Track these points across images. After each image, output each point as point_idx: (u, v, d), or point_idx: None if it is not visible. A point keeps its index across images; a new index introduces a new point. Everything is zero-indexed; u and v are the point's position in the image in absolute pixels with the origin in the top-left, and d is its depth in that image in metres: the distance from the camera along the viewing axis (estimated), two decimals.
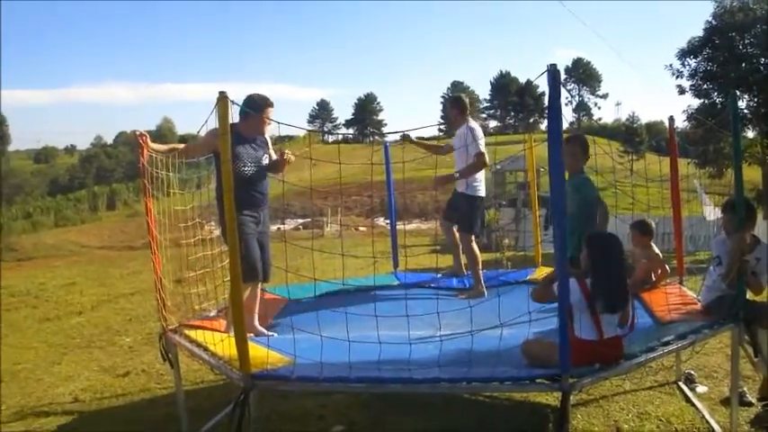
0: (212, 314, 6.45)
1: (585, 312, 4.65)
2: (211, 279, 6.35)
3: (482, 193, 8.43)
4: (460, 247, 8.53)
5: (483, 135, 8.30)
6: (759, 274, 5.85)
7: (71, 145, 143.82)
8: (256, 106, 6.22)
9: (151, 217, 5.98)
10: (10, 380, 8.41)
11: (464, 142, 8.06)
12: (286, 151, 6.53)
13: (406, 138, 8.77)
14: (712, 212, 15.09)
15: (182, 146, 6.24)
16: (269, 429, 5.74)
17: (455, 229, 8.53)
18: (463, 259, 8.63)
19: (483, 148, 8.14)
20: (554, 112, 4.10)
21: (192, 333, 5.70)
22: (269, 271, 6.49)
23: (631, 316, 4.95)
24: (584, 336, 4.64)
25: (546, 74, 4.04)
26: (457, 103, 8.53)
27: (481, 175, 8.40)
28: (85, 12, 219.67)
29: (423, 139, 9.18)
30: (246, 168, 6.18)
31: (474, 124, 8.36)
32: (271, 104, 6.34)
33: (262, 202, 6.36)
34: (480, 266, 8.23)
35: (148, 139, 5.90)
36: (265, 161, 6.44)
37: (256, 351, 4.86)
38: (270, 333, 6.19)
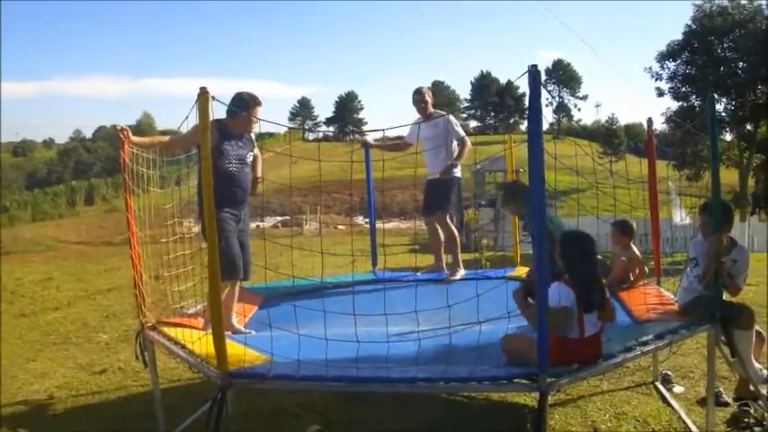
0: (190, 312, 6.41)
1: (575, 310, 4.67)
2: (190, 277, 6.33)
3: (459, 174, 8.83)
4: (443, 243, 8.72)
5: None
6: (736, 275, 5.89)
7: (49, 138, 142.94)
8: (245, 105, 6.19)
9: (131, 212, 5.93)
10: None
11: (444, 129, 8.53)
12: (258, 176, 6.54)
13: (365, 143, 8.95)
14: (682, 216, 15.23)
15: (165, 138, 6.17)
16: (246, 428, 5.72)
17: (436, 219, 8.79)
18: (446, 258, 8.77)
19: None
20: (534, 113, 4.11)
21: (169, 330, 5.67)
22: (249, 269, 6.46)
23: (612, 311, 4.97)
24: (568, 334, 4.66)
25: (527, 75, 4.04)
26: (430, 93, 8.76)
27: None
28: (69, 4, 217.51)
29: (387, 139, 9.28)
30: (231, 165, 6.15)
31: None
32: (259, 103, 6.29)
33: (243, 200, 6.33)
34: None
35: (129, 134, 5.84)
36: (249, 159, 6.41)
37: (234, 349, 4.84)
38: (247, 331, 6.16)
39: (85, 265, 22.24)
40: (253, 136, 6.56)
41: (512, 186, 7.53)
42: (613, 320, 5.01)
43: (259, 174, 6.66)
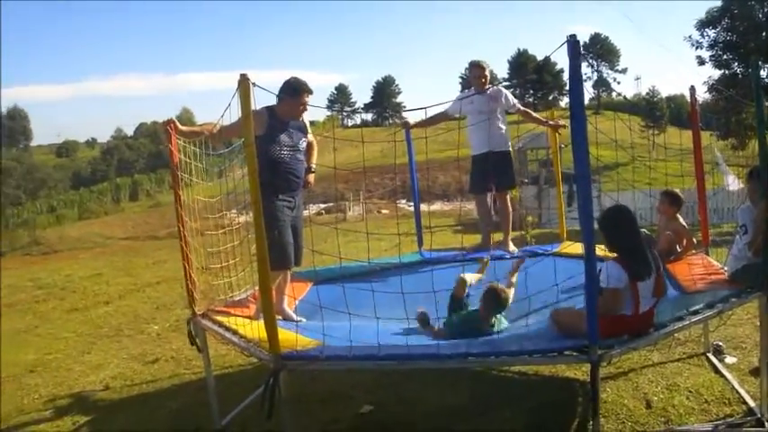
0: (239, 298, 6.46)
1: (627, 289, 4.65)
2: (238, 267, 6.38)
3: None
4: (492, 218, 8.73)
5: None
6: None
7: (92, 138, 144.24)
8: (293, 90, 6.16)
9: (180, 203, 5.98)
10: (41, 369, 8.53)
11: (504, 101, 8.48)
12: (312, 165, 6.55)
13: (405, 125, 8.89)
14: (734, 182, 14.97)
15: (213, 126, 6.12)
16: (299, 411, 5.78)
17: (489, 195, 8.79)
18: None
19: None
20: (575, 83, 4.06)
21: (220, 318, 5.73)
22: (300, 255, 6.46)
23: (664, 285, 4.94)
24: (623, 311, 4.65)
25: (566, 44, 4.01)
26: (489, 67, 8.66)
27: None
28: (94, 3, 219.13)
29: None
30: (282, 152, 6.15)
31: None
32: (308, 90, 6.25)
33: (296, 187, 6.32)
34: None
35: (177, 124, 5.87)
36: (302, 145, 6.40)
37: (285, 334, 4.88)
38: (299, 318, 6.16)
39: (133, 260, 22.56)
40: (307, 123, 6.53)
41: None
42: (665, 294, 4.98)
43: (313, 163, 6.66)
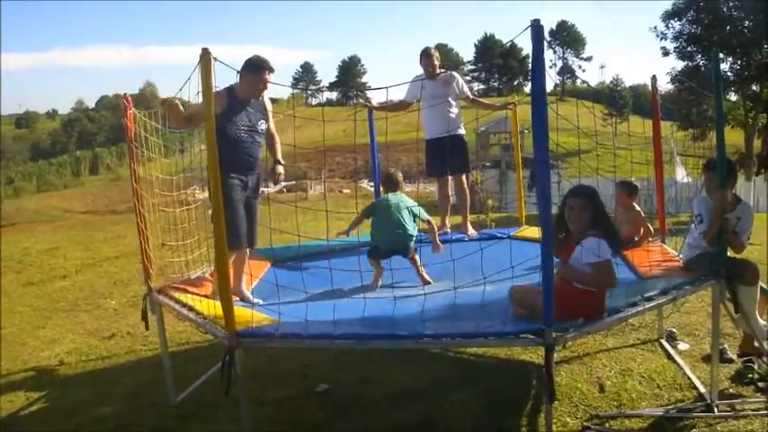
0: (196, 275, 6.44)
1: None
2: (195, 243, 6.34)
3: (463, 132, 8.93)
4: (451, 201, 8.78)
5: None
6: (740, 233, 5.88)
7: (52, 109, 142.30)
8: (253, 68, 6.08)
9: (136, 178, 5.93)
10: None
11: (455, 86, 8.57)
12: (279, 159, 6.49)
13: (367, 104, 8.92)
14: (684, 175, 15.13)
15: (186, 113, 5.92)
16: (255, 388, 5.78)
17: (448, 176, 8.87)
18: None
19: None
20: (538, 69, 4.07)
21: (177, 294, 5.70)
22: (254, 238, 6.40)
23: None
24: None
25: (530, 29, 4.01)
26: (437, 54, 8.70)
27: None
28: None
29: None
30: (239, 131, 6.06)
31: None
32: (270, 69, 6.16)
33: (252, 167, 6.23)
34: None
35: (180, 107, 5.70)
36: (261, 127, 6.31)
37: (241, 311, 4.87)
38: (256, 300, 6.11)
39: (92, 234, 22.28)
40: (268, 103, 6.47)
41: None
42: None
43: (279, 156, 6.62)
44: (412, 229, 6.55)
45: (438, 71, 8.55)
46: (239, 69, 5.91)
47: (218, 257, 4.58)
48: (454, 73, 8.76)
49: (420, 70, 8.57)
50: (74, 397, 6.40)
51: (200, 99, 4.59)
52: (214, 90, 5.60)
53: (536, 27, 3.98)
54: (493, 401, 5.69)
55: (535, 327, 4.32)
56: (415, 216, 6.66)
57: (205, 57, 4.41)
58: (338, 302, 4.70)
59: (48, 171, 70.52)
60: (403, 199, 6.75)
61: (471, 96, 8.73)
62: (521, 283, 5.08)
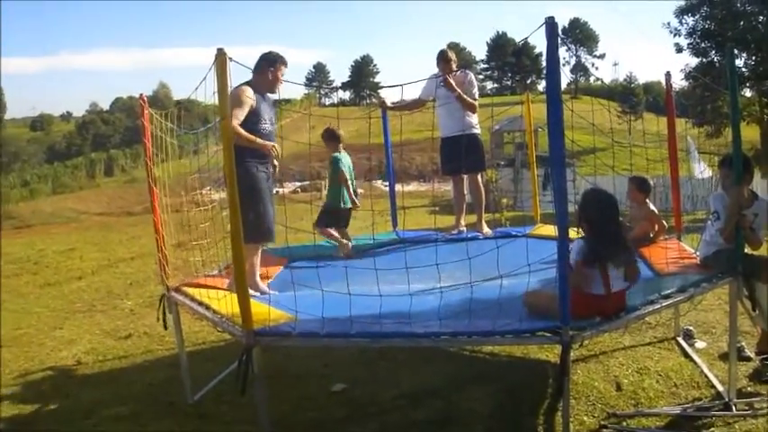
0: (214, 273, 6.46)
1: (595, 268, 4.69)
2: (212, 244, 6.36)
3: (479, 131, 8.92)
4: (466, 199, 8.78)
5: None
6: (757, 229, 5.85)
7: (67, 112, 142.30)
8: (270, 62, 6.16)
9: (153, 178, 5.96)
10: (12, 345, 8.45)
11: (467, 84, 8.57)
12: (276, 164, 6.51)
13: (382, 104, 8.93)
14: (703, 170, 15.01)
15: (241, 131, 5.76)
16: (272, 388, 5.79)
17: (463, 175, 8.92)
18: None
19: None
20: (552, 66, 4.07)
21: (193, 292, 5.72)
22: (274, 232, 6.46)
23: (636, 270, 4.99)
24: (593, 290, 4.69)
25: (544, 26, 4.01)
26: (454, 56, 8.74)
27: None
28: None
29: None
30: (266, 125, 6.12)
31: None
32: (284, 62, 6.24)
33: (271, 160, 6.31)
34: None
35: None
36: (275, 120, 6.38)
37: (258, 308, 4.88)
38: (272, 291, 6.16)
39: (107, 235, 22.42)
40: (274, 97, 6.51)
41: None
42: (636, 280, 5.02)
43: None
44: None
45: (453, 70, 8.51)
46: (254, 66, 5.96)
47: (235, 253, 4.59)
48: (469, 73, 8.77)
49: (434, 69, 8.58)
50: (91, 396, 6.41)
51: (215, 99, 4.60)
52: (240, 87, 5.68)
53: (550, 24, 3.98)
54: (510, 400, 5.68)
55: (552, 325, 4.32)
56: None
57: (221, 57, 4.43)
58: (354, 300, 4.68)
59: (63, 173, 70.68)
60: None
61: (471, 102, 8.58)
62: (534, 289, 5.08)
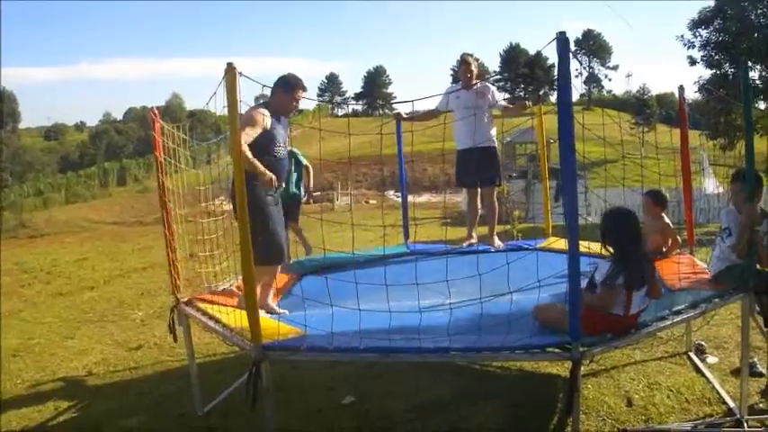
0: (223, 288, 6.46)
1: (621, 292, 4.69)
2: (223, 255, 6.37)
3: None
4: (479, 211, 8.79)
5: None
6: (765, 245, 5.82)
7: (81, 122, 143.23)
8: (288, 86, 6.13)
9: (164, 189, 5.97)
10: (24, 354, 8.49)
11: (491, 98, 8.55)
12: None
13: (397, 116, 8.96)
14: (714, 186, 14.94)
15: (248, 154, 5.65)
16: (281, 401, 5.78)
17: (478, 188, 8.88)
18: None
19: None
20: (563, 81, 4.07)
21: (204, 305, 5.73)
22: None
23: (659, 288, 5.00)
24: (614, 311, 4.70)
25: (555, 42, 4.01)
26: (476, 63, 8.79)
27: None
28: None
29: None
30: (279, 149, 6.12)
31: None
32: (303, 87, 6.21)
33: (282, 183, 6.31)
34: None
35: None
36: (287, 141, 6.39)
37: (267, 323, 4.89)
38: (282, 311, 6.09)
39: (120, 245, 22.49)
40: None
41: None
42: (659, 297, 5.02)
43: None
44: None
45: (474, 81, 8.54)
46: (272, 85, 5.97)
47: (244, 269, 4.60)
48: (489, 84, 8.82)
49: (447, 80, 8.66)
50: (101, 407, 6.44)
51: (226, 112, 4.61)
52: (256, 107, 5.69)
53: (561, 40, 3.98)
54: (519, 415, 5.65)
55: (562, 340, 4.30)
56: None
57: (230, 72, 4.44)
58: (363, 315, 4.68)
59: (76, 182, 70.86)
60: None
61: (503, 104, 8.66)
62: (544, 303, 5.07)
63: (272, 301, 6.21)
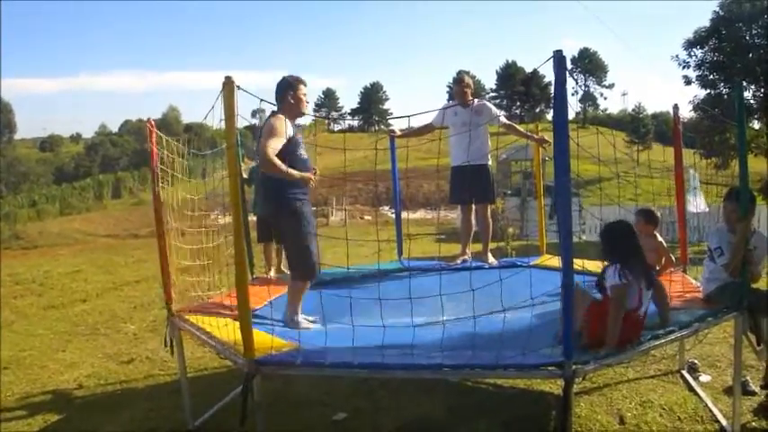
0: (217, 301, 6.44)
1: (633, 286, 4.76)
2: (215, 269, 6.36)
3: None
4: (473, 229, 8.80)
5: None
6: (756, 263, 5.82)
7: (76, 133, 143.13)
8: (291, 86, 6.04)
9: (158, 201, 5.96)
10: (15, 367, 8.44)
11: (488, 115, 8.46)
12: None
13: (391, 132, 8.98)
14: (699, 205, 14.97)
15: (280, 164, 5.68)
16: (272, 416, 5.76)
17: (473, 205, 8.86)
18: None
19: None
20: (560, 99, 4.08)
21: (196, 318, 5.71)
22: None
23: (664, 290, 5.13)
24: (633, 305, 4.76)
25: (552, 60, 4.02)
26: (471, 81, 8.82)
27: None
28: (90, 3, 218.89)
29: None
30: (302, 151, 6.02)
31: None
32: (303, 82, 6.13)
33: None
34: None
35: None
36: None
37: (261, 336, 4.87)
38: (311, 325, 5.95)
39: (113, 258, 22.43)
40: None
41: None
42: (666, 299, 5.25)
43: None
44: None
45: (470, 99, 8.55)
46: (278, 92, 5.96)
47: (238, 281, 4.59)
48: (486, 101, 8.80)
49: (443, 96, 8.68)
50: (92, 421, 6.40)
51: (222, 126, 4.60)
52: (276, 116, 5.66)
53: (558, 58, 3.99)
54: None
55: (554, 359, 4.30)
56: None
57: (228, 85, 4.45)
58: (357, 330, 4.68)
59: (70, 194, 70.94)
60: None
61: (506, 122, 8.65)
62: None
63: (301, 318, 6.04)
